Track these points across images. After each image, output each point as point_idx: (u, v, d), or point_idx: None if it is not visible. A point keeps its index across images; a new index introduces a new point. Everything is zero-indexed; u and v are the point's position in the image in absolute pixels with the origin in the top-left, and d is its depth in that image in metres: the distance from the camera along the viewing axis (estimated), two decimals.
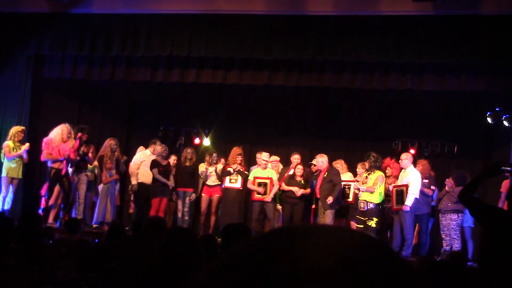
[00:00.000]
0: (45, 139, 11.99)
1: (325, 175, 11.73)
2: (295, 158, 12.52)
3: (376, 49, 11.53)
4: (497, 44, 10.93)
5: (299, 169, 12.16)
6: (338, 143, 15.00)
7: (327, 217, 11.55)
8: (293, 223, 11.62)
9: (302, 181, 12.09)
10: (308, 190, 12.03)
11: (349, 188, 12.05)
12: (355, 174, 12.46)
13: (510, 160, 11.97)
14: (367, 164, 11.62)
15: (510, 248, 4.95)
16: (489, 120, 10.90)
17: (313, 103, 14.48)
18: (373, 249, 0.93)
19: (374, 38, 11.54)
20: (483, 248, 5.33)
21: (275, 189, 12.12)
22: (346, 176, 12.38)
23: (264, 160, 12.37)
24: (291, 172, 12.25)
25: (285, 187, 12.11)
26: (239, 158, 12.54)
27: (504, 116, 10.87)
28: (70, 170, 12.04)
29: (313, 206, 11.96)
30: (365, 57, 11.68)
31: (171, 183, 12.47)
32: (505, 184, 10.51)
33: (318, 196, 11.72)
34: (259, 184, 12.16)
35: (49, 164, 11.91)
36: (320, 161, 11.95)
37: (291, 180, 12.13)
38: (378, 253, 0.92)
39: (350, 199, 12.01)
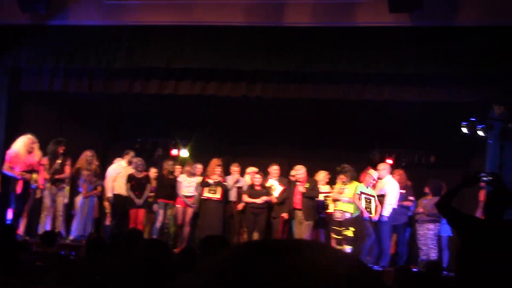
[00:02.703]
0: (9, 152, 11.86)
1: (306, 186, 11.80)
2: (274, 169, 12.57)
3: (354, 60, 11.58)
4: (475, 55, 11.05)
5: (258, 178, 12.21)
6: (316, 153, 15.05)
7: (305, 228, 11.61)
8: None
9: (264, 190, 12.16)
10: (272, 198, 12.11)
11: (327, 199, 12.09)
12: (333, 185, 12.51)
13: (486, 170, 12.09)
14: (343, 176, 11.70)
15: (487, 257, 5.01)
16: (464, 130, 11.00)
17: (292, 114, 14.51)
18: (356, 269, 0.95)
19: (352, 49, 11.59)
20: (460, 257, 5.38)
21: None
22: (325, 188, 12.42)
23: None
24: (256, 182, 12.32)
25: (247, 199, 12.16)
26: (218, 170, 12.55)
27: (479, 126, 10.98)
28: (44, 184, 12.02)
29: (286, 215, 12.01)
30: (343, 68, 11.74)
31: (139, 200, 12.45)
32: (482, 194, 10.61)
33: (295, 206, 11.77)
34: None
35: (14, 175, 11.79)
36: (300, 171, 12.01)
37: (252, 191, 12.18)
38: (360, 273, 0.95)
39: (331, 210, 12.05)
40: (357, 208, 11.28)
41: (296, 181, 12.10)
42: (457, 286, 5.28)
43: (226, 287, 0.93)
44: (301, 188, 11.90)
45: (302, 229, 11.69)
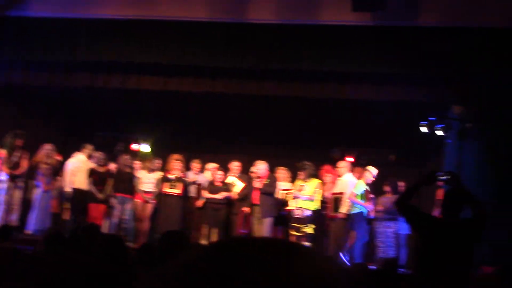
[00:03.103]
0: None
1: (265, 182, 11.82)
2: (235, 165, 12.58)
3: (315, 58, 11.64)
4: (435, 56, 11.19)
5: (219, 175, 12.23)
6: (277, 150, 15.08)
7: (265, 225, 11.65)
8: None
9: (224, 187, 12.16)
10: (232, 194, 12.13)
11: (288, 196, 12.12)
12: (294, 182, 12.55)
13: (445, 169, 12.27)
14: (303, 173, 11.75)
15: (444, 255, 5.09)
16: (423, 129, 11.13)
17: (253, 111, 14.52)
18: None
19: (314, 47, 11.65)
20: (418, 255, 5.46)
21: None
22: (286, 184, 12.45)
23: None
24: (231, 180, 12.31)
25: (207, 195, 12.17)
26: (178, 165, 12.51)
27: (438, 126, 11.12)
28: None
29: (247, 210, 12.03)
30: (305, 66, 11.78)
31: (100, 195, 12.36)
32: (440, 193, 10.74)
33: (254, 202, 11.82)
34: None
35: None
36: (261, 168, 12.03)
37: (212, 187, 12.19)
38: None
39: (291, 207, 12.07)
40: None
41: (256, 177, 12.11)
42: (416, 284, 5.35)
43: None
44: (257, 184, 11.92)
45: (262, 226, 11.72)
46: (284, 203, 12.20)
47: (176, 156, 12.75)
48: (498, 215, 11.68)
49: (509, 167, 11.50)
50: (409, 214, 5.52)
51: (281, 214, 12.17)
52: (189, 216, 12.73)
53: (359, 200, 11.33)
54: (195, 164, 13.08)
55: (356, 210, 11.25)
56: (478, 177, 11.89)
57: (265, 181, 11.94)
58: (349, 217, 11.08)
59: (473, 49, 11.21)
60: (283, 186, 12.28)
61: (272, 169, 12.71)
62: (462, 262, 5.18)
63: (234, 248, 0.97)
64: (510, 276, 5.76)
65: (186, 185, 12.52)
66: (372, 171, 11.57)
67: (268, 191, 11.90)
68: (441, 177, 5.37)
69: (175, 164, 12.54)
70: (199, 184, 12.74)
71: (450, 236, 5.19)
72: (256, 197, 11.93)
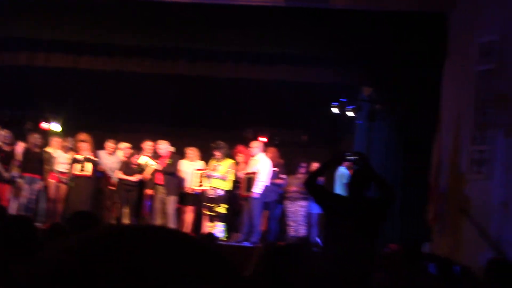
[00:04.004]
0: None
1: (168, 162, 11.81)
2: (148, 145, 12.47)
3: (230, 38, 11.64)
4: (345, 37, 11.39)
5: (135, 158, 12.12)
6: (191, 130, 15.05)
7: (169, 204, 11.68)
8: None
9: (138, 168, 12.06)
10: (145, 175, 12.06)
11: (201, 176, 12.11)
12: (207, 162, 12.55)
13: (354, 149, 12.55)
14: (217, 153, 11.78)
15: (350, 233, 5.23)
16: (334, 110, 11.34)
17: (167, 91, 14.40)
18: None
19: (227, 27, 11.63)
20: (325, 233, 5.59)
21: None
22: (198, 164, 12.44)
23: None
24: (143, 160, 12.21)
25: (120, 175, 12.04)
26: (85, 145, 12.30)
27: (348, 107, 11.35)
28: None
29: (150, 192, 11.99)
30: (218, 46, 11.77)
31: (7, 174, 12.02)
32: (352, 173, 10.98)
33: (157, 182, 11.78)
34: None
35: None
36: (162, 147, 12.00)
37: (125, 168, 12.06)
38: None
39: (203, 187, 12.07)
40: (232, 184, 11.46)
41: (159, 156, 12.07)
42: (322, 260, 5.47)
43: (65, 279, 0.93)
44: (159, 166, 11.86)
45: (167, 205, 11.74)
46: (186, 182, 12.15)
47: (82, 136, 12.52)
48: (405, 194, 12.07)
49: (416, 147, 11.87)
50: (317, 193, 5.63)
51: (194, 194, 12.17)
52: (101, 196, 12.55)
53: (270, 179, 11.44)
54: (109, 144, 12.84)
55: (268, 189, 11.36)
56: (387, 157, 12.24)
57: (167, 160, 11.91)
58: (261, 196, 11.18)
59: (382, 32, 11.47)
60: (196, 165, 12.26)
61: (184, 149, 12.69)
62: (368, 240, 5.33)
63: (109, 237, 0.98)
64: (414, 253, 5.98)
65: (95, 165, 12.31)
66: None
67: (170, 171, 11.86)
68: (350, 157, 5.49)
69: (81, 145, 12.32)
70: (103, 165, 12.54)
71: (356, 214, 5.33)
72: (159, 177, 11.89)
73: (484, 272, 5.36)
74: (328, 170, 5.64)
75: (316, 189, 5.58)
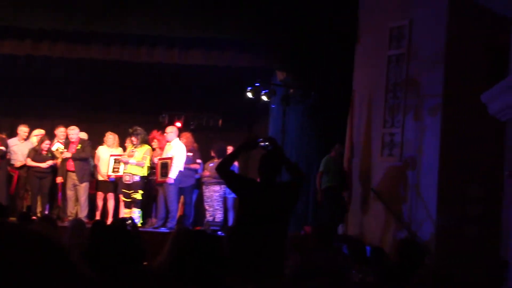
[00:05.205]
0: None
1: (78, 148, 11.60)
2: (61, 131, 12.20)
3: (144, 22, 11.53)
4: (258, 22, 11.44)
5: (46, 144, 11.80)
6: (106, 116, 14.84)
7: (81, 190, 11.50)
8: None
9: (49, 154, 11.78)
10: (58, 162, 11.82)
11: (119, 162, 11.93)
12: (123, 148, 12.39)
13: (269, 133, 12.66)
14: (134, 139, 11.65)
15: (261, 216, 5.26)
16: (249, 94, 11.38)
17: (81, 75, 14.13)
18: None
19: (143, 11, 11.51)
20: (238, 217, 5.61)
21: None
22: (116, 150, 12.26)
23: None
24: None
25: (31, 163, 11.73)
26: None
27: (263, 91, 11.41)
28: None
29: (60, 180, 11.76)
30: (132, 29, 11.64)
31: None
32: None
33: (69, 168, 11.57)
34: None
35: None
36: (73, 133, 11.77)
37: (37, 156, 11.74)
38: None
39: (119, 173, 11.91)
40: (148, 170, 11.38)
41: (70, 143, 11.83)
42: (234, 245, 5.51)
43: None
44: (67, 154, 11.62)
45: (79, 192, 11.54)
46: (114, 169, 12.00)
47: None
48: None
49: (329, 130, 12.06)
50: (229, 178, 5.66)
51: (110, 180, 12.01)
52: (14, 184, 12.17)
53: (186, 164, 11.41)
54: (22, 128, 12.38)
55: (183, 174, 11.32)
56: (301, 141, 12.40)
57: (77, 146, 11.69)
58: (176, 182, 11.13)
59: (295, 16, 11.57)
60: (113, 152, 12.09)
61: (102, 135, 12.49)
62: (280, 224, 5.38)
63: None
64: (326, 234, 6.07)
65: (4, 153, 11.86)
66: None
67: (81, 157, 11.64)
68: (261, 143, 5.52)
69: None
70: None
71: (268, 199, 5.36)
72: (70, 163, 11.66)
73: (395, 252, 5.50)
74: (241, 155, 5.62)
75: (228, 175, 5.60)
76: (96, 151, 12.23)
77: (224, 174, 5.56)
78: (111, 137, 12.35)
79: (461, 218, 9.54)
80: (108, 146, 12.23)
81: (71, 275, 1.07)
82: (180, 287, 3.06)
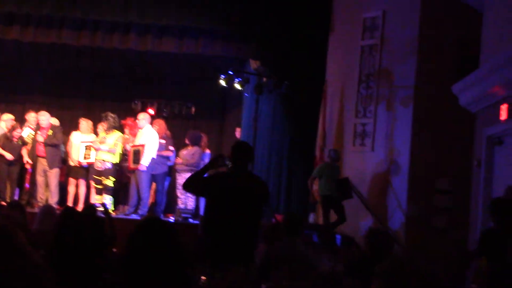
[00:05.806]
0: None
1: (48, 134, 11.49)
2: (32, 116, 12.07)
3: (117, 8, 11.46)
4: (232, 11, 11.44)
5: (17, 132, 11.66)
6: (77, 102, 14.75)
7: (52, 176, 11.39)
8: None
9: (20, 142, 11.65)
10: (28, 148, 11.71)
11: (90, 149, 11.84)
12: (96, 134, 12.29)
13: (242, 121, 12.69)
14: (105, 125, 11.58)
15: (231, 205, 5.28)
16: (222, 83, 11.36)
17: (52, 61, 14.00)
18: None
19: None
20: (207, 208, 5.64)
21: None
22: (90, 136, 12.14)
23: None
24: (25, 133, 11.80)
25: (0, 150, 11.59)
26: None
27: (236, 80, 11.40)
28: None
29: (28, 167, 11.67)
30: (105, 15, 11.56)
31: None
32: None
33: (39, 154, 11.45)
34: None
35: None
36: (43, 119, 11.64)
37: (7, 143, 11.59)
38: None
39: (90, 160, 11.82)
40: (120, 157, 11.32)
41: (39, 128, 11.70)
42: (205, 236, 5.54)
43: None
44: (40, 138, 11.50)
45: (49, 178, 11.44)
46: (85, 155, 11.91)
47: None
48: (292, 163, 12.31)
49: (302, 120, 12.11)
50: (197, 192, 5.79)
51: (82, 166, 11.91)
52: None
53: (158, 152, 11.37)
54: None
55: (155, 162, 11.28)
56: (274, 129, 12.43)
57: (48, 132, 11.58)
58: (148, 169, 11.10)
59: (269, 6, 11.59)
60: (86, 138, 11.98)
61: (73, 121, 12.39)
62: (251, 212, 5.38)
63: None
64: (296, 223, 6.10)
65: None
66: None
67: (52, 143, 11.53)
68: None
69: None
70: None
71: (239, 185, 5.38)
72: (41, 149, 11.54)
73: (364, 240, 5.55)
74: (207, 172, 5.67)
75: (195, 190, 5.75)
76: (70, 137, 12.12)
77: (191, 190, 5.70)
78: (84, 123, 12.23)
79: (430, 209, 9.66)
80: (82, 132, 12.13)
81: (17, 260, 1.06)
82: (140, 277, 3.06)
